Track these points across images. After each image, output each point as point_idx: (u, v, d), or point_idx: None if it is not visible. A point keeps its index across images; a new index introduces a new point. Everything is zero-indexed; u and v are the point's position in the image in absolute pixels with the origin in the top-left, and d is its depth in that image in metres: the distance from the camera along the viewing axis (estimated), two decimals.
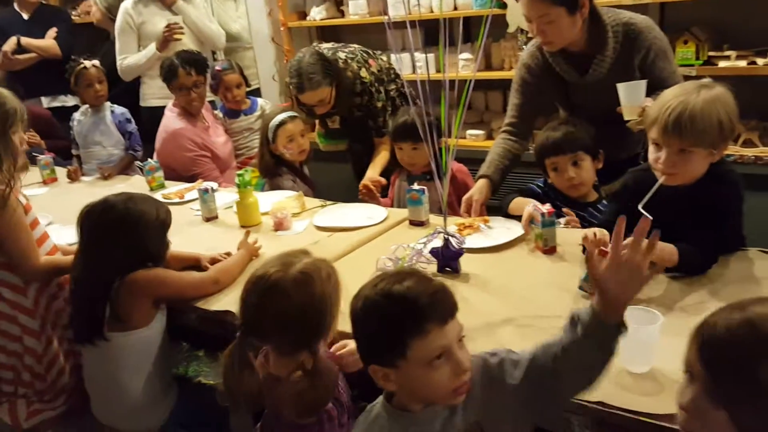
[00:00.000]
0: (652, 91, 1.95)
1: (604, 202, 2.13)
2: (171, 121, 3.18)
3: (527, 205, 1.98)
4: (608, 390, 1.25)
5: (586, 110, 2.20)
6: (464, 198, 2.21)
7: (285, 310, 1.28)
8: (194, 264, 2.00)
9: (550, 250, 1.90)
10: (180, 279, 1.83)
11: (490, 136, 3.62)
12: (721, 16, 2.92)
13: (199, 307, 1.81)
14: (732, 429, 0.87)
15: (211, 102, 3.53)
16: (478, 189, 2.21)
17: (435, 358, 1.06)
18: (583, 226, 2.02)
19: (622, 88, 1.91)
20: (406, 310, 1.06)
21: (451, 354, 1.08)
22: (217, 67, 3.34)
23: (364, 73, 2.84)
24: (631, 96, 1.90)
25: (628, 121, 1.93)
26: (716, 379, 0.87)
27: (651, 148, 1.63)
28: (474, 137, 3.60)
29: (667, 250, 1.57)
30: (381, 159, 2.84)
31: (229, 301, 1.78)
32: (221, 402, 1.51)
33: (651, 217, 1.09)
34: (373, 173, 2.73)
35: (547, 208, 1.90)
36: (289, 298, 1.28)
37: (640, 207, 1.39)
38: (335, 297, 1.34)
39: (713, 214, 1.63)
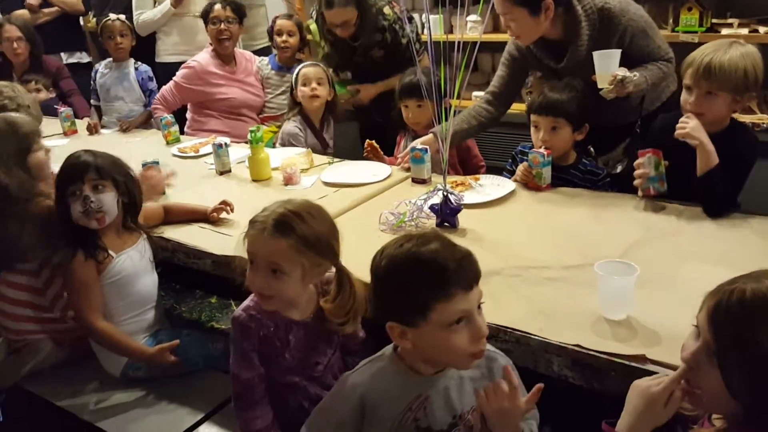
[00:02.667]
0: (638, 65, 2.09)
1: (585, 161, 2.22)
2: (201, 55, 3.38)
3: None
4: (586, 334, 1.38)
5: None
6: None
7: (313, 231, 1.38)
8: (202, 217, 2.12)
9: (546, 187, 2.14)
10: None
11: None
12: None
13: (213, 253, 1.93)
14: (722, 387, 0.95)
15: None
16: (425, 141, 2.35)
17: (455, 321, 1.11)
18: (557, 185, 2.16)
19: (596, 56, 2.03)
20: (433, 274, 1.10)
21: (472, 319, 1.13)
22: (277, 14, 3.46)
23: (387, 10, 2.99)
24: (603, 65, 2.02)
25: (601, 89, 2.04)
26: (718, 341, 0.96)
27: (683, 92, 1.91)
28: (479, 98, 3.66)
29: (712, 157, 1.81)
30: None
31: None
32: None
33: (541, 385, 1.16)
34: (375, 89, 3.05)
35: (544, 150, 2.10)
36: (312, 224, 1.39)
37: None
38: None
39: (732, 163, 1.84)
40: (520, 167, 2.19)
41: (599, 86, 2.05)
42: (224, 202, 2.11)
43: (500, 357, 1.30)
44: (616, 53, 2.02)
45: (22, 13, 4.05)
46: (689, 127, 1.83)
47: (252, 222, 1.41)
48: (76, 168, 1.80)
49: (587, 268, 1.58)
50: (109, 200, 1.81)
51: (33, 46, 3.62)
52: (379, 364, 1.26)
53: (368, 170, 2.47)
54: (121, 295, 1.86)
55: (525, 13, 2.09)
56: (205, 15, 3.33)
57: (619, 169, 2.39)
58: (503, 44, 3.61)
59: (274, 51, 3.47)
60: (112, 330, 1.82)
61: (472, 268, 1.15)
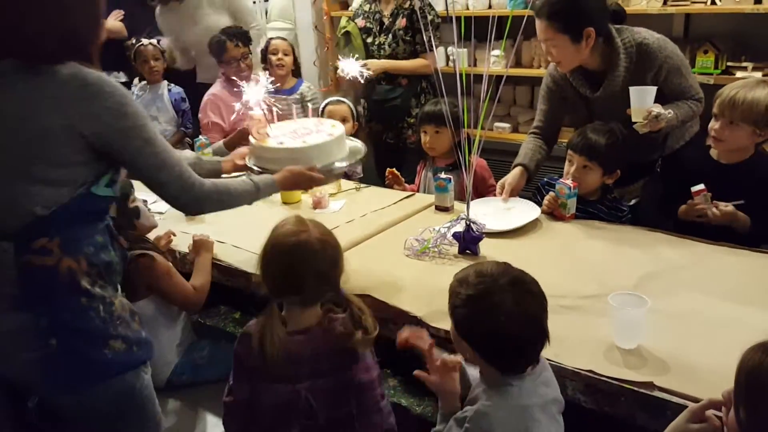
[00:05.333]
0: (669, 101, 2.19)
1: (609, 197, 2.32)
2: (216, 87, 3.47)
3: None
4: (599, 361, 1.48)
5: (604, 119, 2.37)
6: (499, 182, 2.43)
7: (318, 266, 1.46)
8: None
9: (570, 216, 2.26)
10: (177, 284, 2.07)
11: (515, 129, 3.80)
12: (740, 30, 3.07)
13: (248, 272, 2.05)
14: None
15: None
16: (513, 175, 2.42)
17: None
18: (581, 218, 2.28)
19: (633, 91, 2.11)
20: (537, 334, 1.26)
21: None
22: (270, 35, 3.56)
23: None
24: (639, 100, 2.10)
25: (635, 123, 2.12)
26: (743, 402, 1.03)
27: (712, 119, 2.11)
28: (501, 129, 3.79)
29: (743, 219, 2.04)
30: (408, 62, 3.24)
31: None
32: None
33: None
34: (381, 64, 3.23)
35: (571, 182, 2.22)
36: (318, 255, 1.46)
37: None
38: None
39: (758, 190, 2.05)
40: (548, 197, 2.29)
41: (633, 120, 2.12)
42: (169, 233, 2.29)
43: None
44: (652, 90, 2.10)
45: None
46: (717, 218, 2.03)
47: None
48: None
49: (602, 298, 1.67)
50: None
51: None
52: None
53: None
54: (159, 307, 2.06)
55: (567, 40, 2.16)
56: (217, 55, 3.38)
57: (632, 202, 2.49)
58: (525, 78, 3.78)
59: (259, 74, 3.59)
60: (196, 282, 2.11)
61: None
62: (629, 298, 1.52)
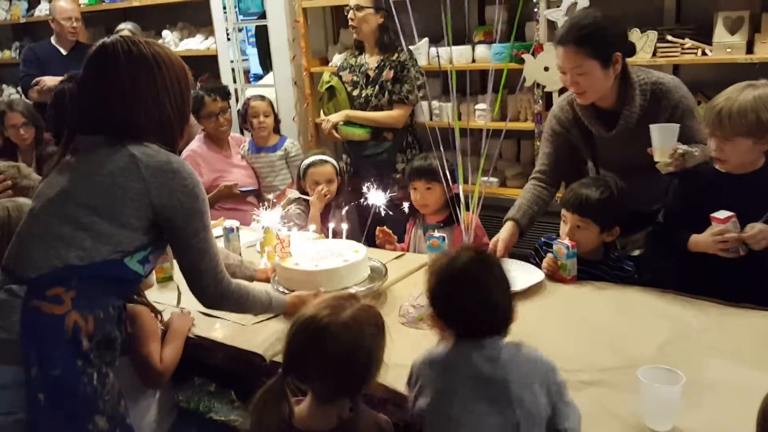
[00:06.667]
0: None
1: (612, 255, 2.17)
2: (195, 144, 3.34)
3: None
4: None
5: (611, 162, 2.27)
6: (492, 240, 2.28)
7: (331, 354, 1.28)
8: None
9: (571, 279, 2.09)
10: (150, 352, 1.77)
11: (503, 184, 3.70)
12: (732, 79, 2.98)
13: (227, 345, 1.85)
14: None
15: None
16: (506, 230, 2.28)
17: None
18: (584, 279, 2.11)
19: (655, 129, 1.97)
20: None
21: None
22: (248, 95, 3.45)
23: (401, 49, 3.22)
24: (663, 138, 1.96)
25: (657, 162, 1.99)
26: None
27: (709, 140, 1.91)
28: (489, 184, 3.67)
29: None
30: (383, 114, 3.22)
31: (259, 342, 1.81)
32: None
33: None
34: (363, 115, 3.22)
35: (569, 242, 2.06)
36: (338, 343, 1.27)
37: None
38: (382, 347, 1.35)
39: None
40: (546, 259, 2.14)
41: (656, 159, 1.99)
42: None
43: None
44: (676, 127, 1.97)
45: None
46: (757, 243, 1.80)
47: None
48: None
49: (624, 371, 1.53)
50: None
51: (37, 129, 3.62)
52: None
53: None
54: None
55: (596, 66, 2.06)
56: (195, 110, 3.23)
57: (636, 253, 2.35)
58: (511, 131, 3.69)
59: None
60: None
61: None
62: (660, 373, 1.36)
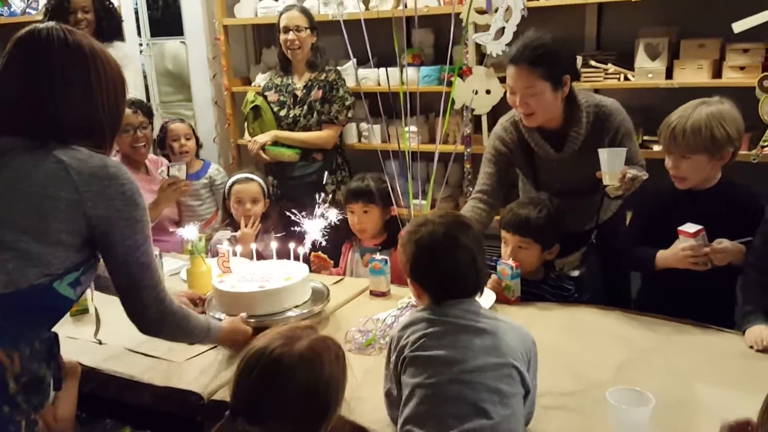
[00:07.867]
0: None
1: (552, 275, 2.17)
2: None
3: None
4: None
5: (550, 185, 2.27)
6: None
7: (287, 391, 1.14)
8: None
9: (515, 300, 2.06)
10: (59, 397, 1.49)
11: (432, 206, 3.65)
12: (654, 104, 3.10)
13: (155, 385, 1.65)
14: None
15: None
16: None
17: None
18: (527, 300, 2.09)
19: (604, 153, 1.96)
20: None
21: None
22: (165, 119, 3.23)
23: (332, 66, 3.25)
24: (612, 162, 1.95)
25: (606, 186, 1.99)
26: None
27: (666, 158, 1.94)
28: (418, 207, 3.62)
29: (738, 249, 1.81)
30: (312, 134, 3.15)
31: (194, 378, 1.65)
32: None
33: None
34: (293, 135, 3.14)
35: (512, 262, 2.03)
36: (294, 377, 1.14)
37: None
38: (342, 380, 1.22)
39: (735, 215, 1.87)
40: (491, 280, 2.08)
41: (605, 183, 1.98)
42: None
43: None
44: (623, 151, 1.96)
45: None
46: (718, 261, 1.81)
47: None
48: None
49: (585, 393, 1.50)
50: None
51: None
52: None
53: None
54: None
55: (548, 87, 2.05)
56: (161, 138, 3.14)
57: (576, 273, 2.35)
58: (440, 154, 3.68)
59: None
60: None
61: None
62: (628, 394, 1.32)
